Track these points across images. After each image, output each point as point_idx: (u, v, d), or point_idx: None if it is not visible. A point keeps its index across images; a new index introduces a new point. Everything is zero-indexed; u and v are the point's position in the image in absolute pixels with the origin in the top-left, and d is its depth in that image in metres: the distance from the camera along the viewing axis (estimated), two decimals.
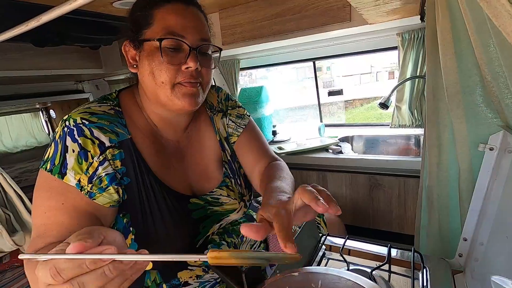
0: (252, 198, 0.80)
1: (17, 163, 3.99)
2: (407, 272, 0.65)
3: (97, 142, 0.54)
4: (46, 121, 4.11)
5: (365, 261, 0.71)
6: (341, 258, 0.67)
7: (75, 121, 0.53)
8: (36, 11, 0.43)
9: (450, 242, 0.75)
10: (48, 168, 0.52)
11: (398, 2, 0.86)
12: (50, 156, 0.53)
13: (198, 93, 0.59)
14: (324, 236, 0.78)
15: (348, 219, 1.48)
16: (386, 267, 0.63)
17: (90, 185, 0.52)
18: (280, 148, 1.62)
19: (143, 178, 0.58)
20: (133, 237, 0.57)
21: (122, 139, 0.57)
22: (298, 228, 0.91)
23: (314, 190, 0.41)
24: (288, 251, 0.37)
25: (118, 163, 0.56)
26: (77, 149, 0.52)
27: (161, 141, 0.64)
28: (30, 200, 1.49)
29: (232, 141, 0.76)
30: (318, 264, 0.71)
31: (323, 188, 0.42)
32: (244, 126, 0.77)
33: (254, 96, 2.15)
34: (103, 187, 0.53)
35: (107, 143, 0.55)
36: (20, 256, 0.31)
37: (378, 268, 0.60)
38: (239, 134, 0.76)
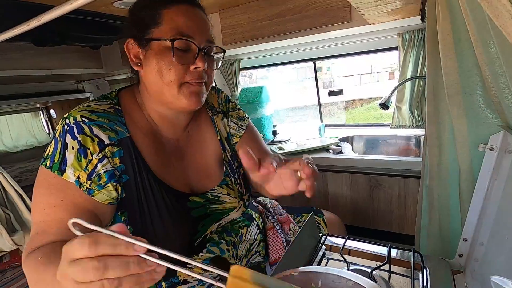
0: (250, 198, 0.81)
1: (17, 162, 4.00)
2: (407, 272, 0.65)
3: (96, 139, 0.54)
4: (46, 121, 4.11)
5: (365, 261, 0.71)
6: (341, 258, 0.67)
7: (75, 119, 0.54)
8: (37, 11, 0.43)
9: (451, 242, 0.75)
10: (47, 165, 0.53)
11: (398, 2, 0.86)
12: (50, 153, 0.54)
13: (203, 92, 0.61)
14: (324, 236, 0.78)
15: (348, 219, 1.48)
16: (386, 267, 0.63)
17: (89, 182, 0.53)
18: (280, 148, 1.62)
19: (142, 176, 0.59)
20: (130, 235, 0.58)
21: (121, 137, 0.58)
22: (298, 228, 0.91)
23: (312, 168, 0.47)
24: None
25: (117, 160, 0.56)
26: (76, 146, 0.53)
27: (161, 140, 0.65)
28: (31, 199, 1.50)
29: (234, 142, 0.79)
30: (318, 264, 0.71)
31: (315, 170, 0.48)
32: (245, 128, 0.81)
33: (255, 96, 2.15)
34: (102, 184, 0.54)
35: (107, 141, 0.55)
36: (72, 220, 0.31)
37: (378, 268, 0.60)
38: (240, 135, 0.79)
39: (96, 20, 1.29)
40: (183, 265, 0.31)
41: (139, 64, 0.58)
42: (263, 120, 1.98)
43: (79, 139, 0.53)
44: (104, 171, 0.54)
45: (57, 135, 0.54)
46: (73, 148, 0.53)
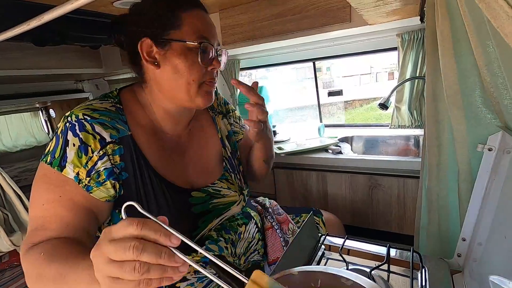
0: (249, 193, 0.84)
1: (16, 162, 3.99)
2: (406, 272, 0.65)
3: (98, 137, 0.55)
4: (45, 121, 4.10)
5: (364, 261, 0.71)
6: (340, 258, 0.67)
7: (77, 116, 0.55)
8: (37, 11, 0.43)
9: (450, 242, 0.76)
10: (48, 161, 0.54)
11: (398, 3, 0.86)
12: (50, 150, 0.55)
13: (214, 91, 0.66)
14: (324, 236, 0.78)
15: (347, 219, 1.48)
16: (385, 267, 0.64)
17: (88, 179, 0.54)
18: (279, 148, 1.62)
19: (142, 173, 0.60)
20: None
21: (122, 135, 0.59)
22: (297, 228, 0.92)
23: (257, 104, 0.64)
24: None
25: (117, 158, 0.57)
26: (77, 143, 0.54)
27: (162, 137, 0.66)
28: (29, 199, 1.49)
29: (239, 138, 0.87)
30: (318, 264, 0.71)
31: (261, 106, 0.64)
32: (243, 125, 0.89)
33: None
34: (100, 181, 0.55)
35: (108, 139, 0.56)
36: (127, 203, 0.34)
37: (377, 268, 0.60)
38: (243, 132, 0.88)
39: (96, 20, 1.29)
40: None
41: (155, 63, 0.59)
42: None
43: (81, 136, 0.54)
44: (104, 169, 0.55)
45: (58, 132, 0.55)
46: (74, 145, 0.54)
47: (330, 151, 1.52)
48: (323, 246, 0.76)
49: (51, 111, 3.83)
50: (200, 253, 0.63)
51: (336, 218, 1.03)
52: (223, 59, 0.67)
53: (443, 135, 0.70)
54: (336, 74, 8.21)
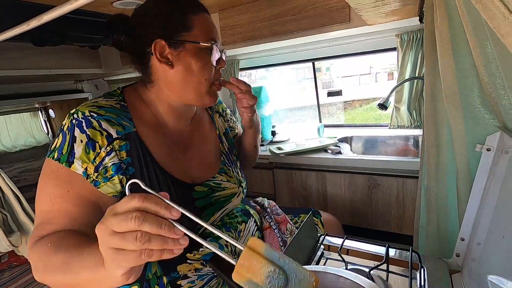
0: (247, 186, 0.87)
1: (16, 162, 3.98)
2: (405, 271, 0.66)
3: (105, 133, 0.57)
4: (45, 121, 4.10)
5: (363, 260, 0.71)
6: (339, 258, 0.67)
7: (83, 113, 0.56)
8: (36, 11, 0.44)
9: (448, 242, 0.76)
10: (55, 157, 0.54)
11: (397, 3, 0.87)
12: (57, 146, 0.55)
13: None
14: (323, 236, 0.79)
15: (346, 219, 1.49)
16: (384, 266, 0.64)
17: (95, 174, 0.55)
18: (279, 148, 1.62)
19: (148, 168, 0.61)
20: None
21: (128, 132, 0.60)
22: (295, 229, 0.92)
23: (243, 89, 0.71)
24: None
25: (123, 153, 0.58)
26: (85, 139, 0.55)
27: (166, 133, 0.68)
28: (28, 200, 1.49)
29: (234, 134, 0.91)
30: (317, 264, 0.71)
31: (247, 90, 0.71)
32: (236, 120, 0.96)
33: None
34: (108, 176, 0.56)
35: (115, 135, 0.58)
36: (132, 181, 0.37)
37: (376, 267, 0.61)
38: (236, 127, 0.93)
39: (95, 20, 1.29)
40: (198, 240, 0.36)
41: (169, 63, 0.61)
42: (262, 120, 1.98)
43: (88, 133, 0.55)
44: (112, 164, 0.56)
45: (64, 129, 0.56)
46: (81, 141, 0.55)
47: (329, 151, 1.52)
48: (322, 246, 0.76)
49: (51, 111, 3.83)
50: (202, 250, 0.65)
51: (335, 219, 1.04)
52: (224, 58, 0.70)
53: (442, 135, 0.71)
54: (335, 74, 8.21)
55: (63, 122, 0.57)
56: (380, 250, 0.72)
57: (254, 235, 0.80)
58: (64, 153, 0.54)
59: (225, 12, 1.46)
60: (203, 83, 0.64)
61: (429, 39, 0.67)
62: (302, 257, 0.71)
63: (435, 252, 0.78)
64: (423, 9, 0.70)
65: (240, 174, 0.82)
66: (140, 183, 0.36)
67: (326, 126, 1.97)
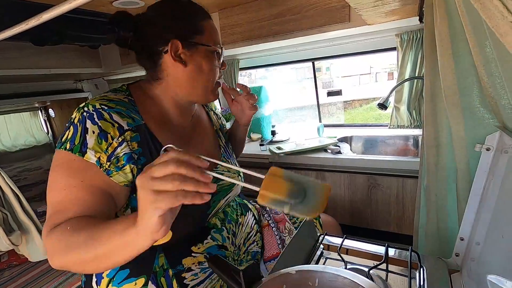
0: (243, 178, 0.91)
1: (15, 162, 3.98)
2: (404, 271, 0.66)
3: (116, 125, 0.58)
4: (45, 120, 4.10)
5: (363, 260, 0.71)
6: (338, 258, 0.67)
7: (94, 106, 0.58)
8: (36, 10, 0.44)
9: (448, 242, 0.76)
10: (68, 147, 0.55)
11: (396, 3, 0.87)
12: (69, 137, 0.56)
13: None
14: (322, 236, 0.79)
15: (346, 219, 1.49)
16: (383, 266, 0.64)
17: (108, 163, 0.57)
18: (279, 148, 1.62)
19: None
20: None
21: (137, 124, 0.62)
22: (293, 228, 0.93)
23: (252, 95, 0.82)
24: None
25: (134, 144, 0.61)
26: (97, 131, 0.56)
27: (170, 127, 0.71)
28: (27, 200, 1.50)
29: (225, 131, 0.96)
30: (316, 263, 0.71)
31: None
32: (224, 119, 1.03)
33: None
34: (120, 166, 0.58)
35: (126, 127, 0.60)
36: (166, 146, 0.44)
37: (375, 267, 0.60)
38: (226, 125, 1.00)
39: (95, 19, 1.29)
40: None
41: (183, 62, 0.66)
42: (262, 120, 1.98)
43: (100, 124, 0.57)
44: (123, 154, 0.58)
45: (75, 121, 0.57)
46: (93, 132, 0.56)
47: (329, 151, 1.52)
48: (321, 246, 0.76)
49: (50, 111, 3.83)
50: (207, 242, 0.69)
51: (333, 220, 1.04)
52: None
53: (442, 135, 0.71)
54: (335, 74, 8.21)
55: (72, 116, 0.59)
56: (379, 249, 0.72)
57: (253, 228, 0.84)
58: (76, 144, 0.55)
59: (224, 11, 1.46)
60: (210, 82, 0.70)
61: (429, 39, 0.67)
62: (301, 256, 0.71)
63: (434, 251, 0.78)
64: (423, 8, 0.70)
65: (237, 165, 0.88)
66: (173, 147, 0.42)
67: (326, 126, 1.97)
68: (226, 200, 0.78)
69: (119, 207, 0.60)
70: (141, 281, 0.62)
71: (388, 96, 1.51)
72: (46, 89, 2.51)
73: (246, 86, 0.83)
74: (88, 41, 1.51)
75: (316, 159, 1.48)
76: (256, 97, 0.84)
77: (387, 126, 1.74)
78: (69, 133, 0.57)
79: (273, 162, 1.62)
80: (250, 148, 1.77)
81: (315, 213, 0.40)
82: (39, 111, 4.02)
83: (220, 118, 0.97)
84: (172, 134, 0.70)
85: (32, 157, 4.09)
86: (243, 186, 0.68)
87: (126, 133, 0.59)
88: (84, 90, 2.76)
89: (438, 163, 0.73)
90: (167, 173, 0.39)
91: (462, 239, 0.65)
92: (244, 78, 3.05)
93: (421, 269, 0.63)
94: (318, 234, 0.81)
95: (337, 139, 1.65)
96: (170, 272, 0.64)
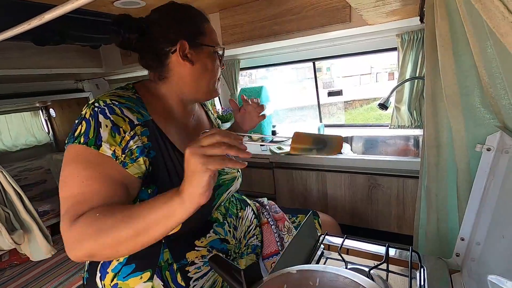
0: (242, 174, 0.95)
1: (16, 161, 3.99)
2: (405, 271, 0.66)
3: (127, 119, 0.60)
4: (45, 120, 4.11)
5: (363, 260, 0.71)
6: (339, 258, 0.67)
7: (105, 102, 0.60)
8: (37, 10, 0.44)
9: (448, 242, 0.76)
10: (82, 141, 0.56)
11: (397, 3, 0.87)
12: (82, 132, 0.57)
13: None
14: (323, 236, 0.79)
15: (346, 219, 1.49)
16: (384, 266, 0.64)
17: (123, 156, 0.58)
18: (279, 148, 1.63)
19: (168, 151, 0.67)
20: None
21: (146, 120, 0.65)
22: (292, 226, 0.93)
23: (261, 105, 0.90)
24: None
25: (144, 138, 0.63)
26: (110, 125, 0.58)
27: (175, 124, 0.74)
28: (29, 199, 1.50)
29: None
30: (317, 263, 0.72)
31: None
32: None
33: (254, 96, 2.16)
34: (134, 158, 0.60)
35: (136, 121, 0.62)
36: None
37: (376, 267, 0.61)
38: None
39: (96, 19, 1.30)
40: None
41: (191, 61, 0.70)
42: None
43: (112, 118, 0.59)
44: (136, 147, 0.60)
45: (87, 116, 0.58)
46: (106, 126, 0.58)
47: None
48: (322, 246, 0.77)
49: (51, 111, 3.84)
50: (209, 236, 0.72)
51: (333, 220, 1.05)
52: None
53: (442, 135, 0.71)
54: (336, 74, 8.21)
55: (82, 112, 0.60)
56: (380, 249, 0.72)
57: (252, 222, 0.88)
58: (91, 137, 0.56)
59: (225, 11, 1.46)
60: (213, 80, 0.75)
61: (429, 39, 0.67)
62: (302, 256, 0.71)
63: (435, 252, 0.79)
64: (424, 9, 0.70)
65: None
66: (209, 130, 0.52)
67: (326, 126, 1.97)
68: (228, 193, 0.81)
69: (131, 199, 0.62)
70: (146, 275, 0.64)
71: (389, 96, 1.51)
72: (47, 89, 2.52)
73: (257, 99, 0.93)
74: (89, 41, 1.52)
75: (316, 159, 1.48)
76: (265, 107, 0.93)
77: (388, 126, 1.74)
78: (82, 128, 0.58)
79: (273, 162, 1.62)
80: (251, 148, 1.78)
81: (336, 152, 0.53)
82: (40, 111, 4.03)
83: (216, 118, 1.01)
84: (176, 130, 0.73)
85: (33, 156, 4.09)
86: (241, 183, 0.78)
87: (136, 128, 0.61)
88: (85, 90, 2.77)
89: (438, 163, 0.73)
90: (214, 141, 0.47)
91: (462, 239, 0.65)
92: (245, 78, 3.05)
93: (422, 269, 0.63)
94: (319, 234, 0.81)
95: None
96: (175, 266, 0.67)
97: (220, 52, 0.75)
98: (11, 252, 1.89)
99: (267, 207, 0.96)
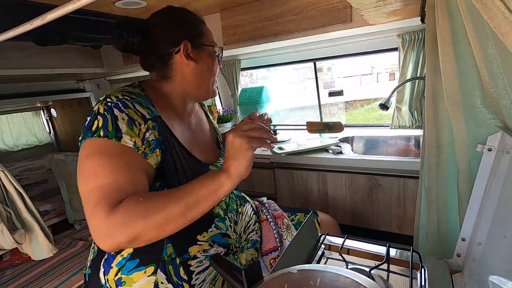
0: None
1: (17, 161, 4.00)
2: (406, 271, 0.66)
3: (139, 114, 0.63)
4: (47, 120, 4.12)
5: (364, 260, 0.71)
6: (340, 258, 0.67)
7: (117, 97, 0.62)
8: (38, 11, 0.44)
9: (449, 242, 0.76)
10: (102, 134, 0.57)
11: (398, 3, 0.87)
12: (100, 126, 0.58)
13: None
14: (323, 236, 0.79)
15: (347, 220, 1.49)
16: (384, 266, 0.64)
17: (143, 147, 0.61)
18: (280, 148, 1.63)
19: (175, 148, 0.69)
20: None
21: (155, 115, 0.67)
22: (292, 226, 0.93)
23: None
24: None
25: (156, 133, 0.65)
26: (126, 118, 0.60)
27: (179, 122, 0.76)
28: (31, 198, 1.50)
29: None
30: (317, 263, 0.72)
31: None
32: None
33: (255, 96, 2.16)
34: (152, 149, 0.63)
35: (147, 116, 0.64)
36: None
37: (376, 267, 0.61)
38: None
39: (97, 19, 1.30)
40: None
41: (196, 61, 0.73)
42: None
43: (126, 112, 0.60)
44: (152, 139, 0.63)
45: (101, 111, 0.59)
46: (123, 119, 0.59)
47: (330, 151, 1.52)
48: (323, 246, 0.77)
49: (52, 111, 3.85)
50: (211, 230, 0.74)
51: (332, 219, 1.06)
52: None
53: (443, 135, 0.71)
54: (337, 74, 8.20)
55: (95, 108, 0.61)
56: (380, 250, 0.72)
57: (251, 217, 0.90)
58: (110, 130, 0.57)
59: (226, 12, 1.47)
60: (213, 79, 0.79)
61: (430, 39, 0.67)
62: (302, 256, 0.71)
63: (435, 252, 0.78)
64: (425, 9, 0.70)
65: None
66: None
67: None
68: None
69: (148, 187, 0.63)
70: (150, 269, 0.66)
71: (390, 97, 1.51)
72: (48, 89, 2.53)
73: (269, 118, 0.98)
74: (91, 41, 1.52)
75: (317, 159, 1.48)
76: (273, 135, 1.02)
77: (389, 126, 1.74)
78: (99, 122, 0.58)
79: (274, 162, 1.62)
80: None
81: (340, 131, 0.72)
82: (41, 111, 4.04)
83: (213, 119, 1.04)
84: (180, 128, 0.75)
85: (34, 156, 4.10)
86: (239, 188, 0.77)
87: (148, 122, 0.63)
88: (86, 90, 2.77)
89: (439, 163, 0.73)
90: (254, 126, 0.59)
91: (463, 240, 0.65)
92: (246, 78, 3.05)
93: (423, 270, 0.63)
94: (319, 234, 0.82)
95: (339, 140, 1.65)
96: (178, 260, 0.69)
97: (218, 51, 0.78)
98: (12, 251, 1.89)
99: (266, 205, 0.97)
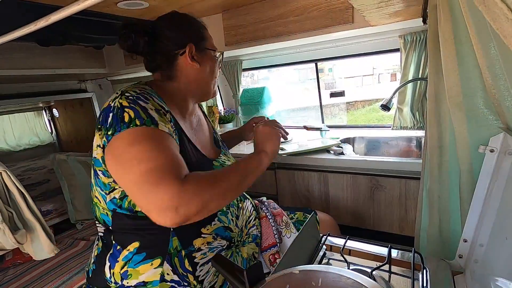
0: None
1: (19, 161, 4.01)
2: (407, 272, 0.66)
3: (160, 106, 0.66)
4: (49, 120, 4.13)
5: (366, 261, 0.71)
6: (341, 258, 0.67)
7: (135, 91, 0.65)
8: (41, 11, 0.44)
9: (451, 244, 0.76)
10: (139, 123, 0.58)
11: (400, 4, 0.87)
12: (133, 116, 0.59)
13: None
14: (325, 236, 0.79)
15: (348, 220, 1.49)
16: (386, 267, 0.64)
17: (174, 134, 0.65)
18: (281, 149, 1.62)
19: (185, 142, 0.73)
20: None
21: (167, 110, 0.70)
22: (292, 223, 0.94)
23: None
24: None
25: (172, 124, 0.68)
26: (153, 107, 0.63)
27: (182, 120, 0.78)
28: (32, 198, 1.51)
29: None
30: (319, 264, 0.72)
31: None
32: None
33: (256, 96, 2.16)
34: (176, 138, 0.66)
35: (166, 108, 0.68)
36: None
37: (378, 268, 0.61)
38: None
39: (100, 20, 1.31)
40: None
41: (198, 63, 0.78)
42: None
43: (149, 103, 0.64)
44: (173, 129, 0.67)
45: (126, 104, 0.60)
46: (151, 109, 0.63)
47: (332, 152, 1.52)
48: (324, 246, 0.77)
49: (55, 111, 3.86)
50: (214, 223, 0.76)
51: (331, 218, 1.06)
52: None
53: (445, 136, 0.70)
54: (338, 75, 8.19)
55: (116, 104, 0.61)
56: (382, 250, 0.72)
57: (251, 213, 0.93)
58: (146, 119, 0.59)
59: (228, 12, 1.47)
60: (214, 80, 0.85)
61: (432, 40, 0.67)
62: (304, 256, 0.71)
63: (437, 253, 0.78)
64: (427, 10, 0.70)
65: (232, 157, 1.00)
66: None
67: (328, 127, 1.96)
68: None
69: None
70: (157, 261, 0.68)
71: (391, 97, 1.51)
72: (50, 89, 2.54)
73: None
74: (93, 42, 1.53)
75: (318, 160, 1.48)
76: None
77: (390, 127, 1.74)
78: (131, 113, 0.59)
79: (275, 163, 1.63)
80: (251, 148, 1.78)
81: None
82: (43, 111, 4.05)
83: (210, 120, 1.11)
84: (184, 125, 0.78)
85: (36, 156, 4.11)
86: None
87: (167, 114, 0.68)
88: (88, 90, 2.78)
89: (441, 164, 0.73)
90: (277, 123, 0.82)
91: (465, 241, 0.65)
92: (247, 79, 3.05)
93: (424, 271, 0.63)
94: (321, 235, 0.82)
95: (340, 140, 1.65)
96: (183, 252, 0.71)
97: (218, 55, 0.85)
98: (14, 251, 1.90)
99: (266, 203, 1.00)
